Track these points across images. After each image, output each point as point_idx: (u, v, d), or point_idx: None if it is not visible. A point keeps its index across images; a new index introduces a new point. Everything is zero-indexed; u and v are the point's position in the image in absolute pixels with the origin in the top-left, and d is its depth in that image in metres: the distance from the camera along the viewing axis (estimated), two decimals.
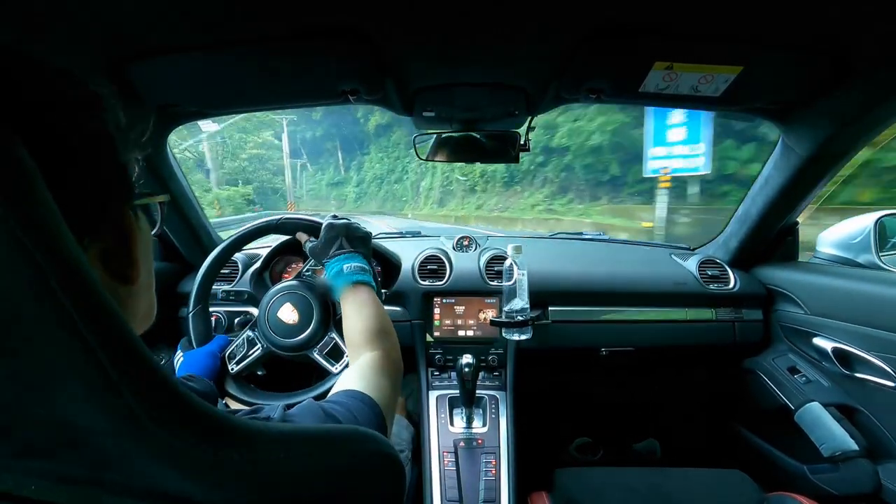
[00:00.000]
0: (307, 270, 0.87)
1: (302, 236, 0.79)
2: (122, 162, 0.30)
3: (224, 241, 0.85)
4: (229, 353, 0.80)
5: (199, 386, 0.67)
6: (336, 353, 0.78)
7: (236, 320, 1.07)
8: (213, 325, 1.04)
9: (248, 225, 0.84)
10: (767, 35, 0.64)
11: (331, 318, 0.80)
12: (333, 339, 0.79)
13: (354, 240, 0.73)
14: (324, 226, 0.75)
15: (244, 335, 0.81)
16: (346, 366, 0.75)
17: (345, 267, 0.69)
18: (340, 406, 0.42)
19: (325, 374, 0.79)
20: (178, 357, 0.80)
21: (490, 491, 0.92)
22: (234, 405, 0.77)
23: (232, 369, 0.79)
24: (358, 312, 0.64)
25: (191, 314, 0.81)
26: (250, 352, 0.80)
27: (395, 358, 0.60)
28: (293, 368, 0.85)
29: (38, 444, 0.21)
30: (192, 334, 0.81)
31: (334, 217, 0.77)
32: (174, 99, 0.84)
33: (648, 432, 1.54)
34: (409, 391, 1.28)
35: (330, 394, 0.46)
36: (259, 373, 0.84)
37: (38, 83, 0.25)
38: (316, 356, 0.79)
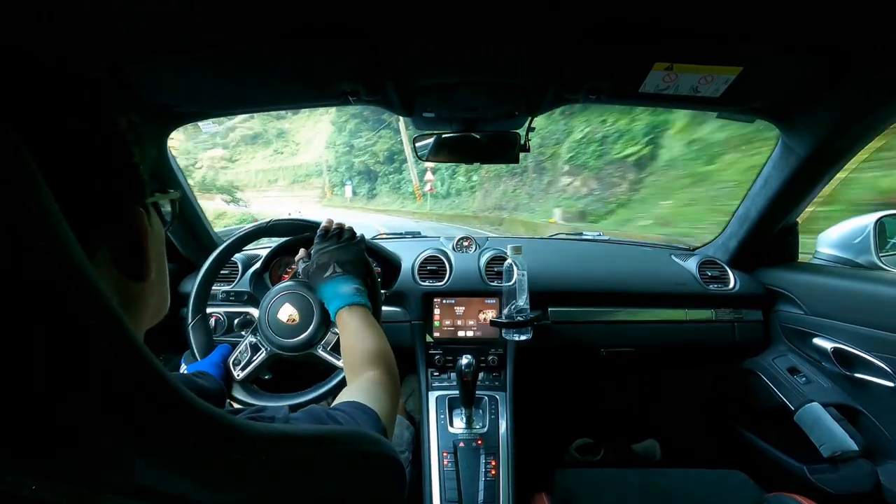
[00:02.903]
0: (301, 271, 0.86)
1: (301, 252, 0.79)
2: (134, 162, 0.30)
3: (217, 247, 0.84)
4: (234, 360, 0.80)
5: (207, 383, 0.67)
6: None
7: (236, 321, 1.07)
8: (214, 325, 1.04)
9: (239, 231, 0.83)
10: (767, 35, 0.64)
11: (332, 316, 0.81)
12: (336, 335, 0.78)
13: (346, 263, 0.72)
14: (313, 250, 0.74)
15: (247, 341, 0.80)
16: None
17: (339, 290, 0.68)
18: (344, 413, 0.42)
19: (330, 371, 0.79)
20: (183, 371, 0.80)
21: (490, 491, 0.92)
22: (239, 405, 0.77)
23: (237, 376, 0.78)
24: (356, 335, 0.64)
25: (190, 326, 0.81)
26: (255, 356, 0.79)
27: (394, 375, 0.61)
28: (298, 369, 0.85)
29: (36, 443, 0.21)
30: (193, 346, 0.80)
31: (324, 233, 0.76)
32: (174, 99, 0.84)
33: (648, 433, 1.54)
34: (410, 391, 1.28)
35: (333, 404, 0.47)
36: (265, 377, 0.83)
37: (48, 84, 0.25)
38: (321, 353, 0.78)
